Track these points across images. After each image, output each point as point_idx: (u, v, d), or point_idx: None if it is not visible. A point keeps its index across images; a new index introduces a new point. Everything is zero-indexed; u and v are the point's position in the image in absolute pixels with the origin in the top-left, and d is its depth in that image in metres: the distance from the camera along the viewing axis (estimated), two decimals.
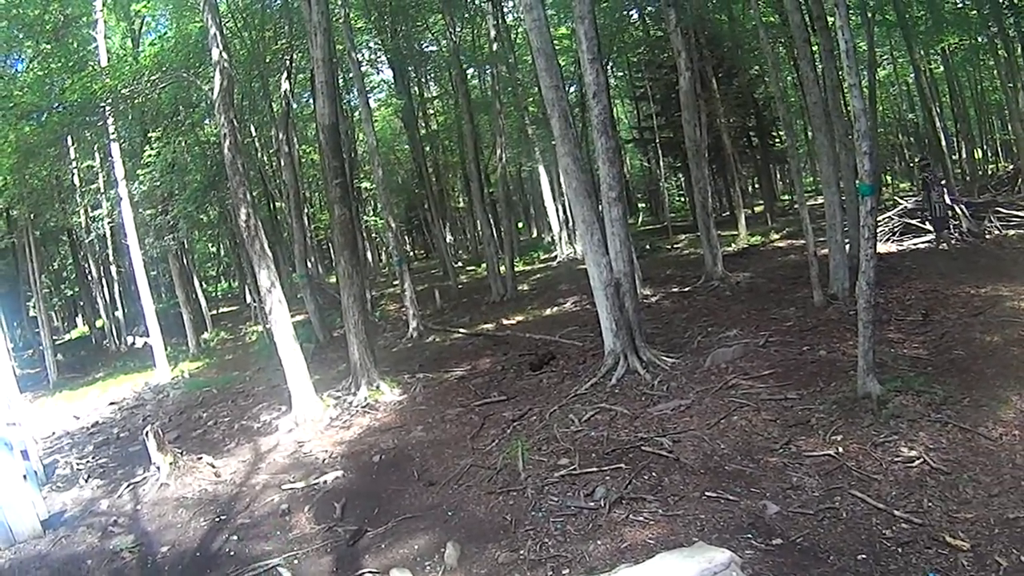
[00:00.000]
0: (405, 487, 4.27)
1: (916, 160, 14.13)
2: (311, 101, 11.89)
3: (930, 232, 8.64)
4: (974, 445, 3.33)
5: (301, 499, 4.29)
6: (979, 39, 12.70)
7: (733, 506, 3.17)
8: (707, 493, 3.30)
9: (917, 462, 3.27)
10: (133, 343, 14.74)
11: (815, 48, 7.65)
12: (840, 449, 3.50)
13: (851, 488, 3.17)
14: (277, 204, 14.16)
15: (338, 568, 3.39)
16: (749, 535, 2.94)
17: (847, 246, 6.82)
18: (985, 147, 20.26)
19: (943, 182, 9.87)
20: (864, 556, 2.72)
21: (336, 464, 4.92)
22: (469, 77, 14.46)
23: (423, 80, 17.67)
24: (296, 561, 3.49)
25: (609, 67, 14.37)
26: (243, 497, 4.51)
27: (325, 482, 4.52)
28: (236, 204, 6.48)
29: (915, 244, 8.76)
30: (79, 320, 23.84)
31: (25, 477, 4.61)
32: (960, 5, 12.19)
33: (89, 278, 16.75)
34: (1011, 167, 13.92)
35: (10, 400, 5.72)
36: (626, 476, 3.65)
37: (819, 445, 3.61)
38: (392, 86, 16.78)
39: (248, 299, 14.31)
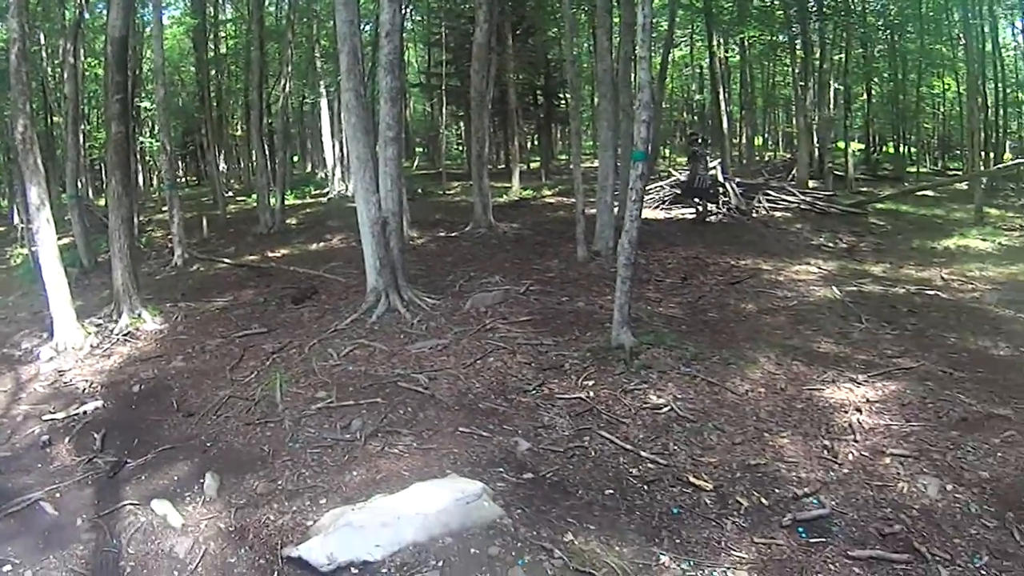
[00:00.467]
0: (164, 417, 4.09)
1: (687, 134, 15.66)
2: (104, 12, 11.03)
3: (696, 203, 9.13)
4: (720, 398, 3.57)
5: (61, 430, 4.06)
6: (779, 37, 14.03)
7: (486, 442, 3.34)
8: (461, 429, 3.45)
9: (664, 409, 3.46)
10: None
11: (616, 20, 7.87)
12: (591, 393, 3.73)
13: (600, 429, 3.34)
14: (54, 119, 13.26)
15: (99, 500, 3.25)
16: (501, 469, 3.07)
17: (616, 208, 7.17)
18: (767, 135, 23.14)
19: (715, 159, 10.74)
20: (611, 491, 2.85)
21: (96, 394, 4.62)
22: (266, 2, 14.11)
23: (220, 1, 17.07)
24: (58, 495, 3.32)
25: (408, 9, 14.28)
26: (3, 429, 4.21)
27: (85, 413, 4.30)
28: (14, 115, 6.09)
29: (683, 214, 9.30)
30: None
31: None
32: (768, 4, 13.24)
33: None
34: (789, 156, 16.15)
35: None
36: (382, 410, 3.72)
37: (571, 388, 3.84)
38: (188, 4, 16.32)
39: (16, 219, 12.45)
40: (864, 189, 12.46)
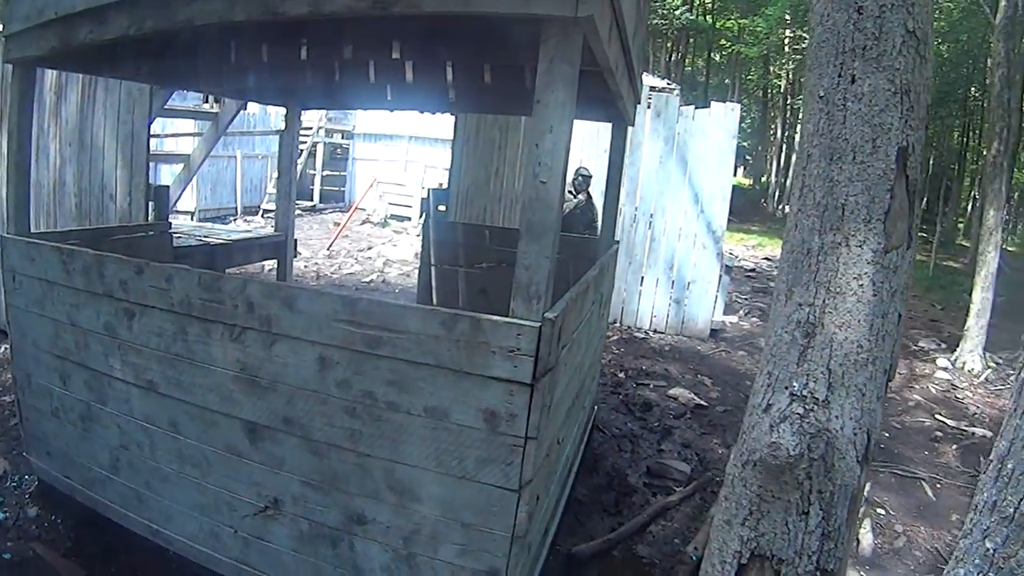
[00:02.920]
0: None
1: None
2: None
3: None
4: None
5: (949, 436, 4.57)
6: None
7: None
8: None
9: None
10: None
11: None
12: None
13: None
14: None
15: None
16: None
17: None
18: None
19: None
20: None
21: (982, 423, 5.10)
22: None
23: None
24: (938, 485, 3.72)
25: None
26: (897, 404, 4.98)
27: (972, 433, 4.62)
28: (989, 136, 6.40)
29: None
30: None
31: (719, 282, 5.95)
32: None
33: None
34: None
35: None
36: None
37: None
38: None
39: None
40: None
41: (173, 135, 7.89)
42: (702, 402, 4.47)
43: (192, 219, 9.64)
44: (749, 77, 25.38)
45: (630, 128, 3.37)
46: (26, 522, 2.70)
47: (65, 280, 2.20)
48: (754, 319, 7.10)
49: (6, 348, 5.27)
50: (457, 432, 1.42)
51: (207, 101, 6.60)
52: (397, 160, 12.88)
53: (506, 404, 1.38)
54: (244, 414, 1.67)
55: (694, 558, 2.60)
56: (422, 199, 11.06)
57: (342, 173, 14.01)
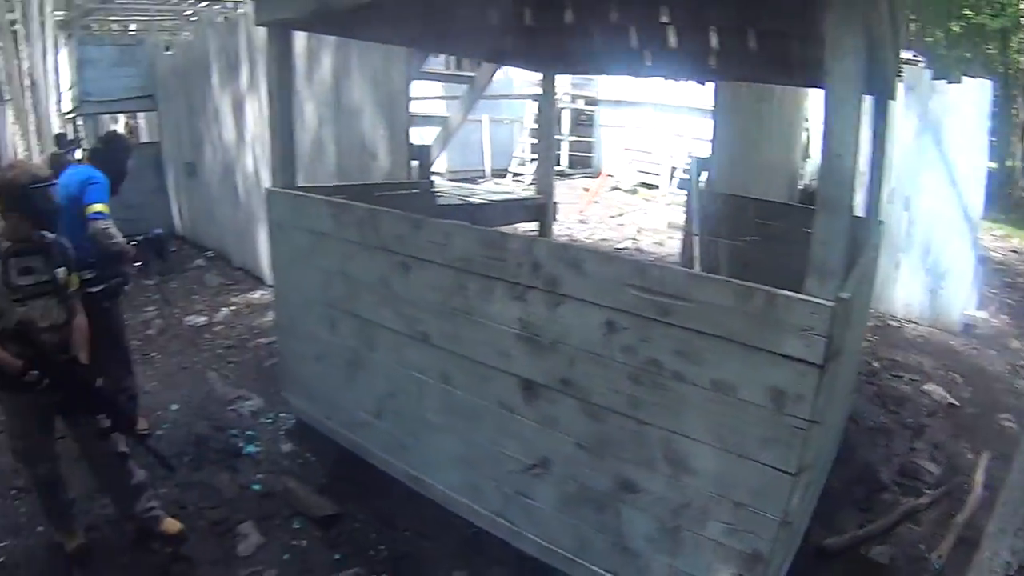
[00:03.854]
0: None
1: None
2: None
3: None
4: None
5: None
6: None
7: None
8: None
9: None
10: None
11: None
12: None
13: None
14: None
15: None
16: None
17: None
18: None
19: None
20: None
21: None
22: None
23: None
24: None
25: None
26: None
27: None
28: None
29: None
30: None
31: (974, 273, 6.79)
32: None
33: None
34: None
35: None
36: None
37: None
38: None
39: None
40: None
41: (423, 98, 10.05)
42: (954, 401, 5.27)
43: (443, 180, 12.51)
44: (989, 50, 26.47)
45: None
46: (279, 457, 4.08)
47: (337, 232, 3.31)
48: (1004, 316, 7.96)
49: (261, 294, 7.45)
50: (741, 408, 1.96)
51: (459, 65, 8.34)
52: (643, 127, 15.64)
53: (794, 384, 1.86)
54: (521, 371, 2.46)
55: (937, 567, 3.18)
56: (671, 167, 13.88)
57: (588, 139, 17.75)
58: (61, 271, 3.00)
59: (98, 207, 4.13)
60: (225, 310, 6.93)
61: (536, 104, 15.31)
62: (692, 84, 4.85)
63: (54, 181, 2.99)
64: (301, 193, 3.69)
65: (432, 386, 2.89)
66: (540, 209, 5.60)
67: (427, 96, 11.12)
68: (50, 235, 3.02)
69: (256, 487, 3.78)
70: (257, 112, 7.21)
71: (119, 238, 4.06)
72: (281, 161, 3.85)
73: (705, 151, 6.87)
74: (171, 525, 3.36)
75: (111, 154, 4.49)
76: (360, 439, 3.47)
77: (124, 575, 3.21)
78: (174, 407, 4.83)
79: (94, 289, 3.96)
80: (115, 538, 3.44)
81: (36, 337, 2.87)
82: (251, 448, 4.15)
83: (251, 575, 3.13)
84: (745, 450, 2.01)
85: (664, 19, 2.69)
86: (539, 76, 5.79)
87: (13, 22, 18.73)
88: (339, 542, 3.30)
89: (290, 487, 3.68)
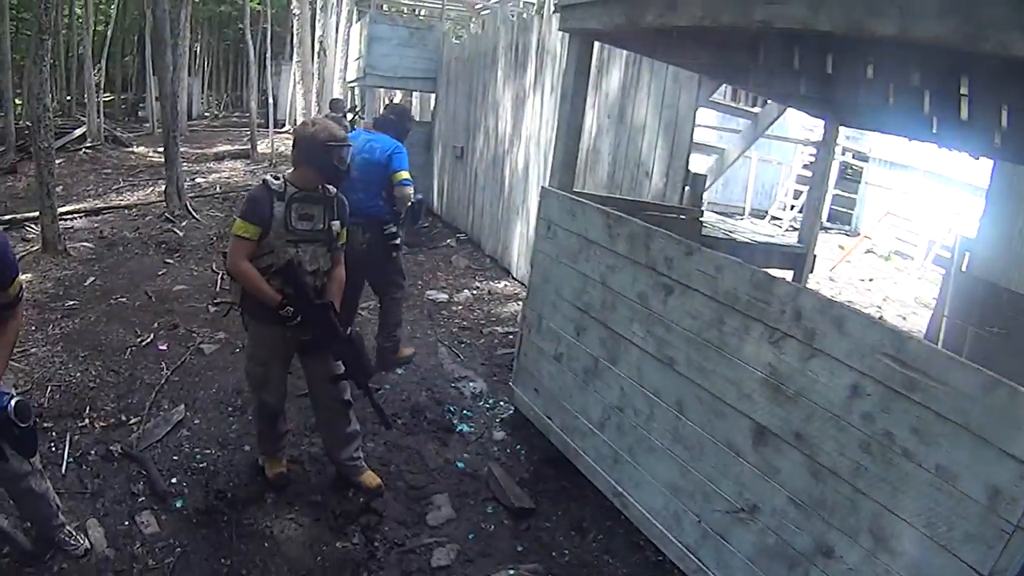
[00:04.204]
0: None
1: None
2: None
3: None
4: None
5: None
6: None
7: None
8: None
9: None
10: None
11: None
12: None
13: None
14: None
15: None
16: None
17: None
18: None
19: None
20: None
21: None
22: None
23: None
24: None
25: None
26: None
27: None
28: None
29: None
30: None
31: None
32: None
33: None
34: None
35: None
36: None
37: None
38: None
39: None
40: None
41: (702, 126, 10.98)
42: None
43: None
44: None
45: None
46: (489, 442, 4.80)
47: (607, 242, 3.93)
48: None
49: (505, 284, 8.55)
50: (957, 499, 2.18)
51: (735, 98, 9.06)
52: (909, 193, 16.27)
53: (1013, 486, 2.06)
54: (757, 416, 2.86)
55: None
56: (929, 240, 14.40)
57: (851, 195, 18.21)
58: (336, 223, 3.78)
59: (406, 174, 5.40)
60: (467, 292, 7.95)
61: (805, 149, 16.43)
62: (967, 157, 4.91)
63: (348, 143, 3.75)
64: (576, 197, 4.37)
65: (664, 410, 3.38)
66: (798, 259, 6.00)
67: (706, 124, 11.86)
68: (333, 189, 3.82)
69: (460, 464, 4.52)
70: (536, 111, 8.26)
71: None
72: (562, 163, 4.58)
73: (969, 230, 6.74)
74: (370, 478, 4.16)
75: (400, 125, 5.69)
76: (575, 444, 4.05)
77: (313, 511, 4.01)
78: (399, 371, 5.79)
79: (396, 241, 5.39)
80: (314, 475, 4.33)
81: (299, 278, 3.65)
82: (464, 427, 4.93)
83: (434, 544, 3.79)
84: (948, 542, 2.24)
85: (963, 91, 2.91)
86: (817, 123, 6.15)
87: None
88: (526, 536, 3.89)
89: (494, 472, 4.36)
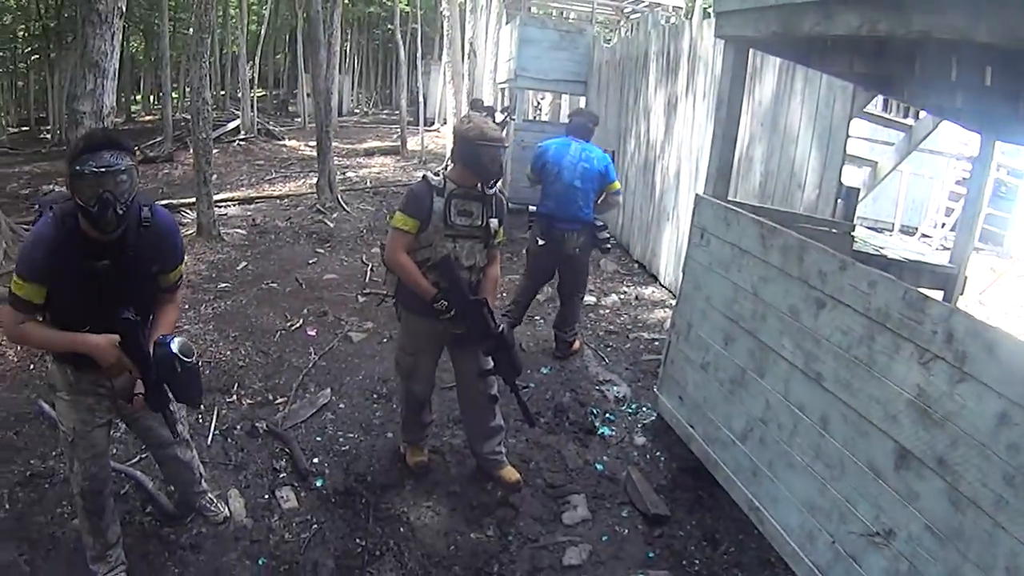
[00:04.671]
0: None
1: None
2: None
3: None
4: None
5: None
6: None
7: None
8: None
9: None
10: None
11: None
12: None
13: None
14: None
15: None
16: None
17: None
18: None
19: None
20: None
21: None
22: None
23: None
24: None
25: None
26: None
27: None
28: None
29: None
30: None
31: None
32: None
33: None
34: None
35: None
36: None
37: None
38: None
39: None
40: None
41: (854, 137, 10.98)
42: None
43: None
44: None
45: None
46: (629, 446, 5.11)
47: (760, 253, 4.14)
48: None
49: (653, 290, 8.89)
50: None
51: (887, 108, 8.96)
52: None
53: None
54: (901, 438, 3.02)
55: None
56: None
57: (1004, 214, 17.45)
58: (494, 221, 4.15)
59: (619, 184, 6.36)
60: (614, 296, 8.31)
61: (959, 164, 16.23)
62: None
63: (500, 143, 4.09)
64: (730, 206, 4.60)
65: (808, 426, 3.59)
66: (949, 279, 6.02)
67: (859, 136, 11.77)
68: (492, 187, 4.17)
69: (599, 467, 4.87)
70: (688, 117, 8.46)
71: None
72: (717, 171, 4.84)
73: None
74: (510, 473, 4.56)
75: (592, 129, 6.51)
76: (715, 454, 4.31)
77: (450, 500, 4.46)
78: (544, 371, 6.21)
79: (608, 246, 6.35)
80: (454, 466, 4.78)
81: (455, 273, 4.04)
82: (606, 430, 5.28)
83: (567, 543, 4.15)
84: None
85: None
86: (972, 136, 6.03)
87: None
88: (658, 542, 4.20)
89: (632, 477, 4.68)
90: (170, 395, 3.22)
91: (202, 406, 5.17)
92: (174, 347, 3.11)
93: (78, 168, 2.81)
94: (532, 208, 6.69)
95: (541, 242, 6.31)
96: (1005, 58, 3.11)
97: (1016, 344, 2.70)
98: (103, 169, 2.82)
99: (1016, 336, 2.74)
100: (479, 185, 4.12)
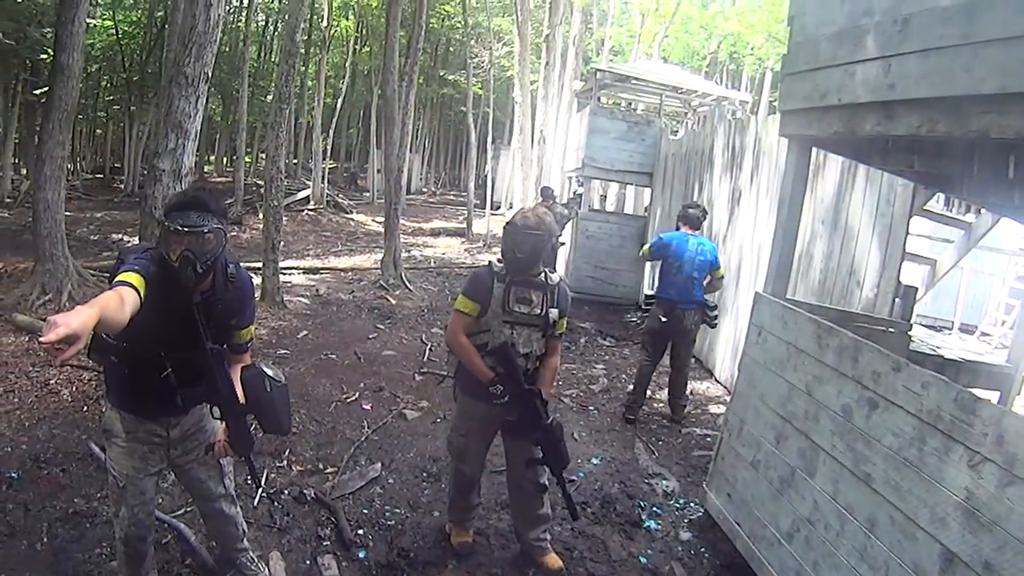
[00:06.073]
0: None
1: None
2: None
3: None
4: None
5: None
6: None
7: None
8: None
9: None
10: None
11: None
12: None
13: None
14: None
15: None
16: None
17: None
18: None
19: None
20: None
21: None
22: None
23: None
24: None
25: None
26: None
27: None
28: None
29: None
30: None
31: None
32: None
33: None
34: None
35: None
36: None
37: None
38: None
39: None
40: None
41: (914, 234, 11.06)
42: None
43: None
44: None
45: None
46: (675, 541, 5.08)
47: (815, 352, 4.20)
48: None
49: (707, 386, 8.90)
50: None
51: (943, 204, 9.02)
52: None
53: None
54: (948, 542, 3.00)
55: None
56: None
57: None
58: (554, 311, 4.26)
59: (723, 271, 7.53)
60: (667, 392, 8.29)
61: (1020, 260, 15.95)
62: None
63: (539, 233, 4.17)
64: (788, 305, 4.68)
65: (855, 528, 3.57)
66: (1006, 379, 6.09)
67: (919, 233, 11.83)
68: (556, 278, 4.34)
69: (643, 559, 4.85)
70: (751, 210, 8.60)
71: None
72: (777, 269, 4.93)
73: None
74: (553, 560, 4.58)
75: (700, 220, 7.57)
76: (760, 552, 4.28)
77: None
78: (595, 461, 6.24)
79: (716, 323, 7.63)
80: (498, 549, 4.81)
81: (511, 359, 4.13)
82: (652, 523, 5.27)
83: None
84: None
85: None
86: None
87: (533, 82, 24.44)
88: None
89: (675, 571, 4.66)
90: (253, 435, 3.36)
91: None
92: (265, 367, 3.28)
93: (167, 224, 3.06)
94: (648, 292, 8.07)
95: (664, 319, 7.38)
96: None
97: None
98: (187, 229, 3.04)
99: None
100: (543, 274, 4.26)
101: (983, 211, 6.78)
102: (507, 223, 4.31)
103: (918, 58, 3.43)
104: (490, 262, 4.35)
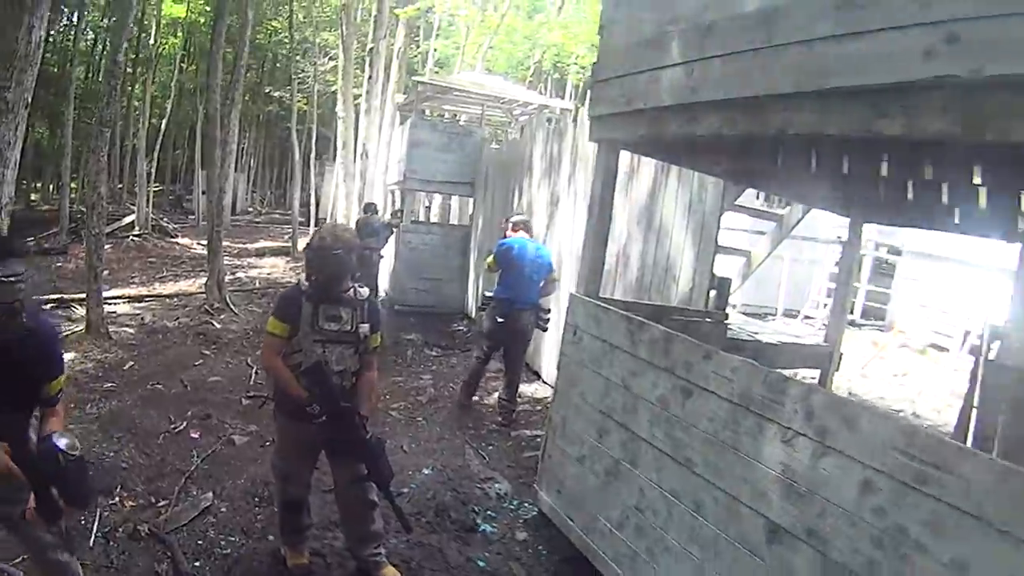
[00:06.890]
0: None
1: None
2: None
3: None
4: None
5: None
6: None
7: None
8: None
9: None
10: None
11: None
12: None
13: None
14: None
15: None
16: None
17: None
18: None
19: None
20: None
21: None
22: None
23: None
24: None
25: None
26: None
27: None
28: None
29: None
30: None
31: None
32: None
33: None
34: None
35: None
36: None
37: None
38: None
39: None
40: None
41: (728, 228, 11.43)
42: None
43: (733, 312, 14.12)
44: None
45: None
46: (511, 542, 4.80)
47: (629, 347, 4.07)
48: None
49: (535, 388, 8.67)
50: None
51: (763, 199, 9.44)
52: (943, 284, 16.36)
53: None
54: (771, 514, 2.90)
55: None
56: (965, 331, 14.25)
57: (885, 290, 18.34)
58: (364, 327, 3.92)
59: (556, 275, 7.45)
60: (497, 395, 8.05)
61: (838, 248, 16.46)
62: (1000, 243, 5.15)
63: (338, 251, 3.83)
64: (602, 304, 4.55)
65: (682, 511, 3.43)
66: (824, 357, 6.22)
67: (737, 227, 12.17)
68: (364, 293, 4.00)
69: (481, 563, 4.53)
70: (568, 215, 8.58)
71: None
72: (589, 270, 4.79)
73: (1000, 318, 6.81)
74: (390, 573, 4.20)
75: (531, 226, 7.58)
76: (595, 544, 4.07)
77: None
78: (426, 471, 5.86)
79: (547, 326, 7.45)
80: (335, 568, 4.38)
81: (325, 378, 3.77)
82: (487, 527, 4.96)
83: None
84: None
85: (976, 180, 3.09)
86: (846, 220, 6.53)
87: (357, 96, 23.67)
88: None
89: (514, 572, 4.38)
90: (60, 504, 2.86)
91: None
92: (58, 441, 2.79)
93: None
94: (488, 293, 7.60)
95: (500, 320, 7.22)
96: (860, 146, 3.23)
97: (872, 414, 2.68)
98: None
99: (872, 407, 2.71)
100: (352, 290, 3.93)
101: (793, 204, 6.98)
102: (306, 246, 3.99)
103: (720, 62, 3.38)
104: (299, 281, 3.96)
